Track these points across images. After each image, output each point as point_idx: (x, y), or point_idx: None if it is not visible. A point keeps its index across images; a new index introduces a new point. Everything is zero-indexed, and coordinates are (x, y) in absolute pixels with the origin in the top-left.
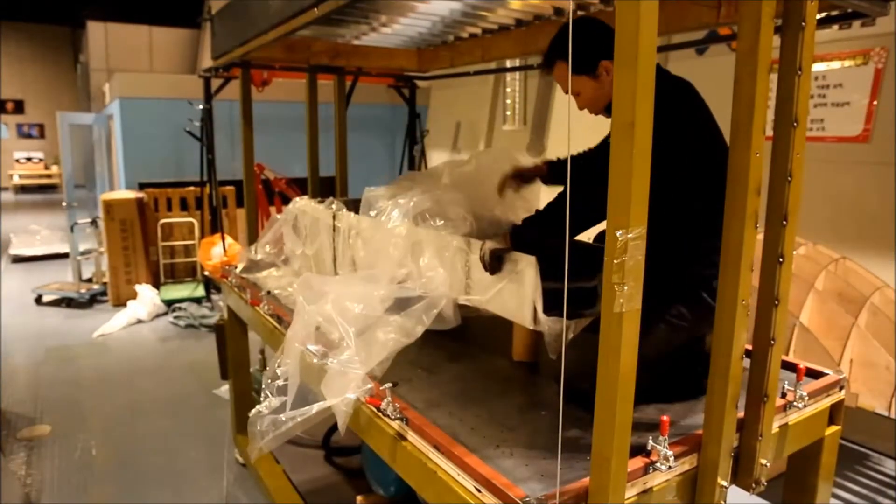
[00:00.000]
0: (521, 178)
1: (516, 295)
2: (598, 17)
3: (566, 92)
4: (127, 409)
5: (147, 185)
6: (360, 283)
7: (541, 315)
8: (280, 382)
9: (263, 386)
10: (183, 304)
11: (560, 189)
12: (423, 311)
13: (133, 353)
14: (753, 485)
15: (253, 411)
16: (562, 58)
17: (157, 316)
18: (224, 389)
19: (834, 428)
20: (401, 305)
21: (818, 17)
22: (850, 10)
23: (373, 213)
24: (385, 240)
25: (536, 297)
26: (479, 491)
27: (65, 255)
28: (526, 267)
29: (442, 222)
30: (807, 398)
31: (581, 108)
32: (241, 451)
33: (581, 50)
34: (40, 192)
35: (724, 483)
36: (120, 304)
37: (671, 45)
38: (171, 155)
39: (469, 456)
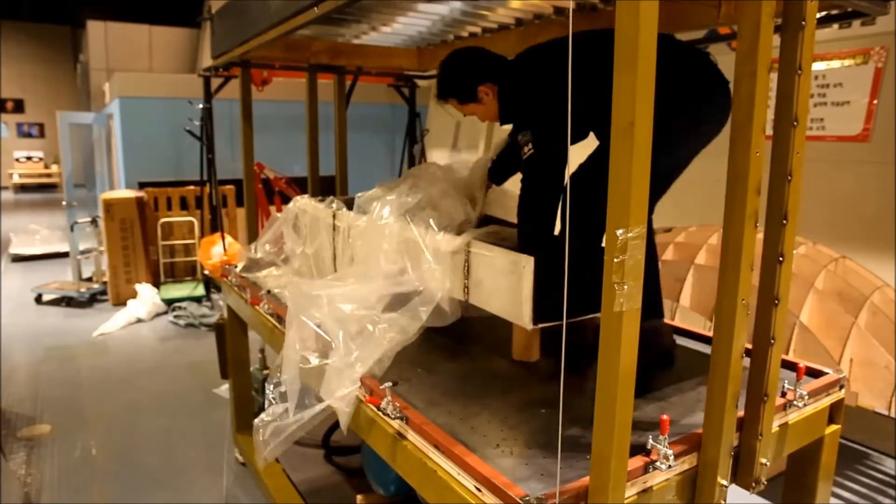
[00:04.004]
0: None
1: (514, 295)
2: (472, 47)
3: (465, 114)
4: (127, 408)
5: (147, 184)
6: (353, 283)
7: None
8: (282, 389)
9: (267, 393)
10: (183, 304)
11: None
12: (420, 306)
13: (133, 352)
14: (753, 484)
15: (256, 420)
16: (450, 96)
17: (157, 315)
18: (224, 389)
19: (834, 427)
20: (397, 302)
21: (818, 16)
22: (850, 10)
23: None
24: (378, 237)
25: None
26: (478, 490)
27: (65, 255)
28: (524, 268)
29: (436, 214)
30: (807, 397)
31: (483, 121)
32: (240, 451)
33: (460, 86)
34: (40, 192)
35: (724, 482)
36: (120, 303)
37: None
38: (171, 154)
39: (469, 455)
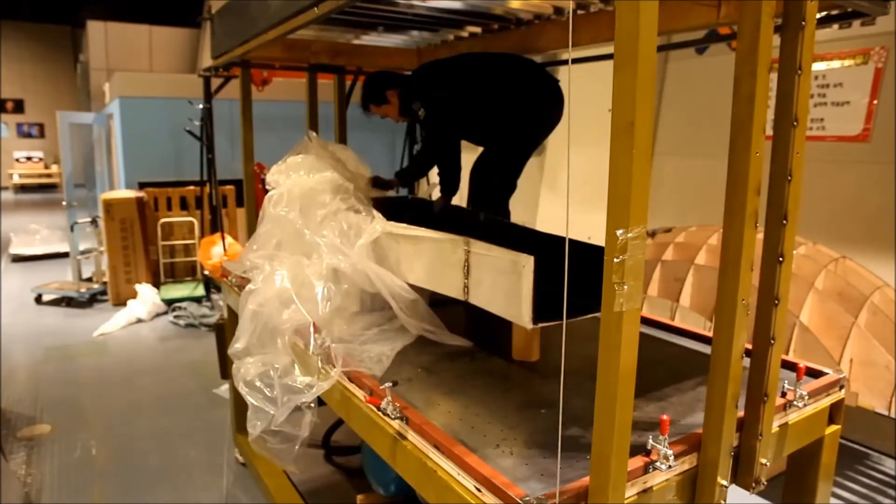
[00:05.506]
0: (380, 184)
1: (514, 295)
2: (378, 70)
3: (381, 116)
4: (127, 408)
5: (147, 184)
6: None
7: None
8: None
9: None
10: (183, 304)
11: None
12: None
13: (133, 352)
14: (753, 484)
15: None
16: (369, 102)
17: (157, 315)
18: (224, 389)
19: (834, 427)
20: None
21: (818, 16)
22: (850, 10)
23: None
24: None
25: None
26: (478, 490)
27: (65, 255)
28: (524, 267)
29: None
30: (807, 397)
31: (395, 119)
32: (240, 451)
33: (375, 93)
34: (40, 192)
35: (724, 482)
36: (120, 303)
37: (671, 45)
38: (171, 154)
39: (469, 455)
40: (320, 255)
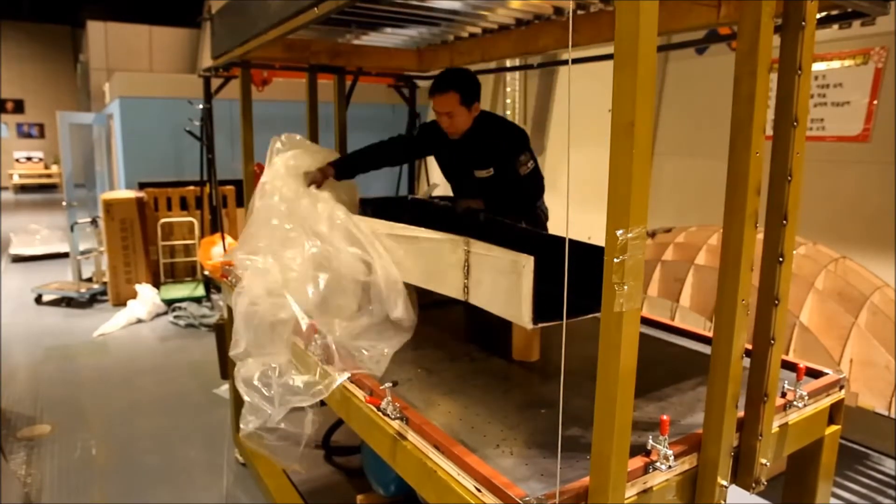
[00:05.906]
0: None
1: (514, 295)
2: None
3: (442, 114)
4: (127, 408)
5: (147, 184)
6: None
7: None
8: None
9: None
10: (183, 304)
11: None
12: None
13: (133, 352)
14: (753, 484)
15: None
16: (457, 89)
17: (157, 315)
18: (224, 389)
19: (834, 427)
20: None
21: (818, 16)
22: (850, 10)
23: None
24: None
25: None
26: (478, 490)
27: (65, 255)
28: (524, 267)
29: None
30: (807, 398)
31: (449, 126)
32: (240, 451)
33: (472, 90)
34: (40, 192)
35: (724, 482)
36: (120, 303)
37: (671, 45)
38: (171, 154)
39: (469, 455)
40: (302, 242)
